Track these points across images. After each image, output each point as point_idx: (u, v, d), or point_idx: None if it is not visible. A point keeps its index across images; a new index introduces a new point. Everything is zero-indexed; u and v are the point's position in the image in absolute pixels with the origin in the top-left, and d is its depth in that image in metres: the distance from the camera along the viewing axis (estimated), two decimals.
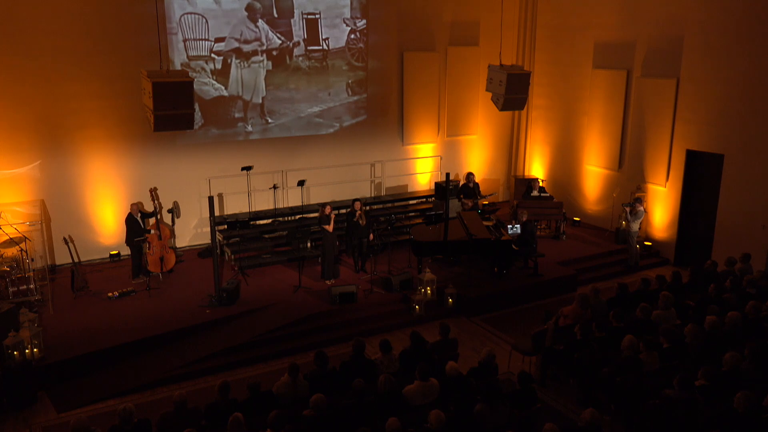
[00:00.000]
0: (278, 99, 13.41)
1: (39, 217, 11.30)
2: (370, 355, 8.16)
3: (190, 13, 12.21)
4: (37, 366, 8.40)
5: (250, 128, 13.29)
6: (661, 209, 13.31)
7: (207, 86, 12.66)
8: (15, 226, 10.65)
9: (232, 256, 12.12)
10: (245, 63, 12.89)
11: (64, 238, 10.96)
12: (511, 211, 14.39)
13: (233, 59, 12.79)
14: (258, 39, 12.87)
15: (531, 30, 15.75)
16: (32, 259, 10.85)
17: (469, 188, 13.75)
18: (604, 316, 8.80)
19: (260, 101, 13.20)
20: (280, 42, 13.03)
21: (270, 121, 13.45)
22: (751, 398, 6.13)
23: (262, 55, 12.99)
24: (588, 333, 8.08)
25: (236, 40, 12.69)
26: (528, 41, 15.81)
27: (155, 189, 11.91)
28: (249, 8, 12.64)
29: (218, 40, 12.54)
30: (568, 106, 15.25)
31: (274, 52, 13.09)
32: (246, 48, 12.82)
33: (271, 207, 13.71)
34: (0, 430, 7.69)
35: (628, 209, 12.57)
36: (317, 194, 14.04)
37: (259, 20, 12.80)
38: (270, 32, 12.96)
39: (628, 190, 13.65)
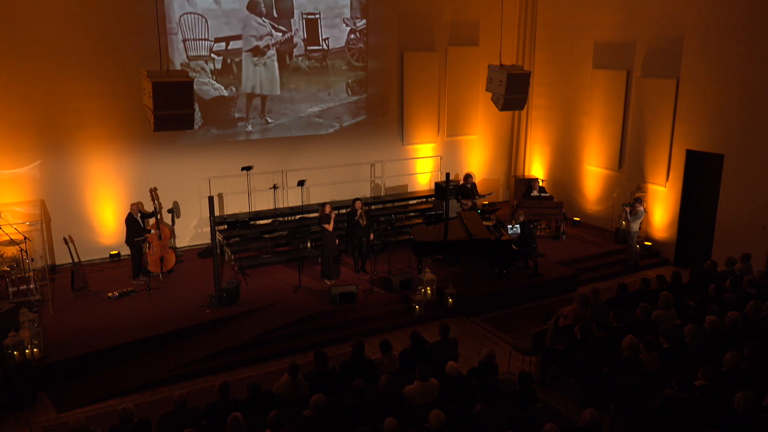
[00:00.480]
0: (278, 99, 13.41)
1: (39, 217, 11.30)
2: (370, 355, 8.16)
3: (190, 13, 12.22)
4: (37, 366, 8.40)
5: (250, 128, 13.30)
6: (661, 209, 13.31)
7: (207, 86, 12.66)
8: (15, 226, 10.65)
9: (232, 256, 12.12)
10: (262, 59, 12.96)
11: (64, 238, 10.96)
12: (511, 211, 14.39)
13: (250, 57, 12.87)
14: (269, 33, 12.94)
15: (531, 30, 15.75)
16: (32, 259, 10.85)
17: (467, 188, 13.73)
18: (604, 316, 8.80)
19: (279, 93, 13.33)
20: (281, 35, 13.05)
21: (270, 121, 13.45)
22: (751, 398, 6.13)
23: (272, 48, 13.07)
24: (588, 333, 8.08)
25: (254, 37, 12.78)
26: (528, 41, 15.81)
27: (155, 189, 11.91)
28: (251, 5, 12.65)
29: (218, 39, 12.55)
30: (568, 106, 15.25)
31: (277, 46, 13.12)
32: (261, 44, 12.90)
33: (271, 207, 13.71)
34: (0, 430, 7.69)
35: (628, 209, 12.57)
36: (317, 194, 14.04)
37: (263, 17, 12.84)
38: (272, 29, 13.00)
39: (628, 190, 13.65)
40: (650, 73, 13.21)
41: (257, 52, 12.95)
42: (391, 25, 14.41)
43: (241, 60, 12.84)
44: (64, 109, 11.55)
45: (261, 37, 12.90)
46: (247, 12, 12.67)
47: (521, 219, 11.80)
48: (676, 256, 13.14)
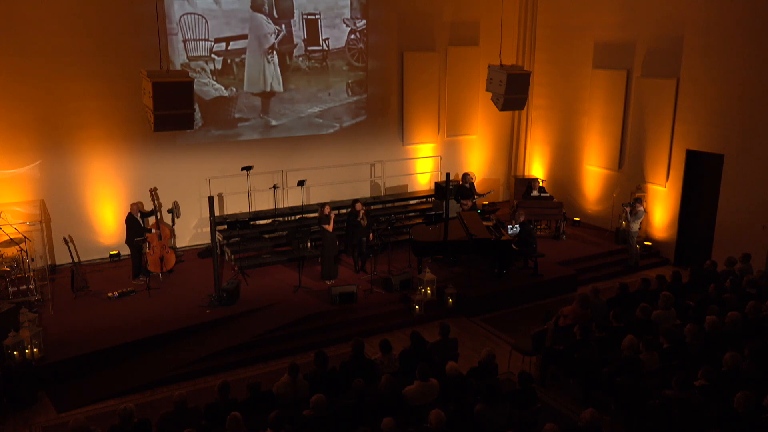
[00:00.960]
0: (279, 99, 13.42)
1: (39, 217, 11.30)
2: (370, 355, 8.16)
3: (190, 14, 12.22)
4: (37, 366, 8.40)
5: (272, 121, 13.40)
6: (661, 209, 13.31)
7: (207, 86, 12.66)
8: (15, 226, 10.65)
9: (232, 256, 12.12)
10: (273, 56, 13.04)
11: (64, 238, 10.96)
12: (511, 211, 14.39)
13: (263, 55, 12.96)
14: (274, 32, 13.00)
15: (531, 30, 15.75)
16: (32, 259, 10.85)
17: (465, 188, 13.68)
18: (604, 316, 8.80)
19: (288, 90, 13.44)
20: (279, 34, 13.10)
21: (270, 121, 13.45)
22: (751, 398, 6.13)
23: (277, 47, 13.18)
24: (588, 333, 8.08)
25: (268, 35, 12.89)
26: (528, 41, 15.81)
27: (155, 189, 11.92)
28: (255, 5, 12.67)
29: (218, 40, 12.55)
30: (568, 106, 15.25)
31: (280, 45, 13.21)
32: (271, 42, 13.00)
33: (271, 207, 13.71)
34: (0, 430, 7.69)
35: (628, 209, 12.57)
36: (317, 194, 14.04)
37: (267, 16, 12.90)
38: (276, 29, 13.07)
39: (628, 190, 13.65)
40: (650, 73, 13.21)
41: (272, 49, 13.01)
42: (391, 25, 14.41)
43: (241, 60, 12.82)
44: (64, 109, 11.54)
45: (270, 35, 12.94)
46: (253, 11, 12.69)
47: (521, 219, 11.79)
48: (676, 256, 13.14)
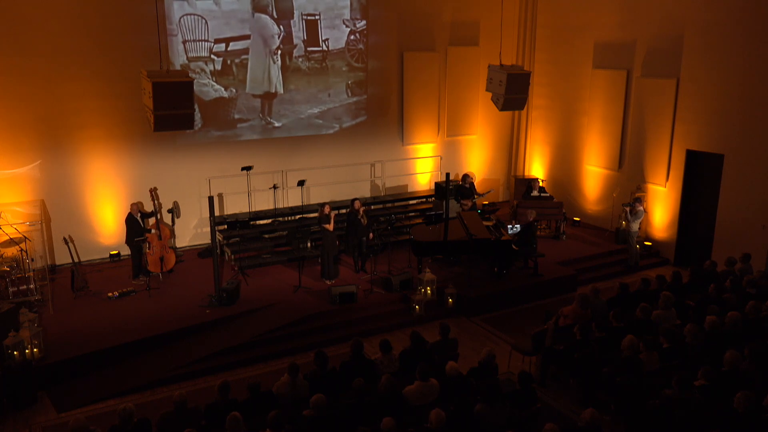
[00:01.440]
0: (278, 100, 13.42)
1: (39, 217, 11.30)
2: (370, 355, 8.16)
3: (190, 14, 12.22)
4: (37, 366, 8.40)
5: (273, 123, 13.45)
6: (661, 209, 13.31)
7: (207, 87, 12.66)
8: (15, 226, 10.65)
9: (232, 256, 12.12)
10: (276, 57, 13.08)
11: (64, 238, 10.96)
12: (511, 211, 14.39)
13: (269, 56, 13.01)
14: (279, 33, 13.06)
15: (531, 30, 15.75)
16: (32, 259, 10.85)
17: (465, 188, 13.67)
18: (604, 316, 8.80)
19: (282, 91, 13.43)
20: (279, 31, 13.13)
21: (271, 121, 13.46)
22: (751, 398, 6.13)
23: (281, 47, 13.24)
24: (588, 333, 8.08)
25: (276, 35, 12.98)
26: (528, 41, 15.81)
27: (155, 189, 11.91)
28: (260, 6, 12.67)
29: (218, 41, 12.54)
30: (568, 106, 15.25)
31: (283, 46, 13.25)
32: (277, 43, 13.07)
33: (271, 207, 13.71)
34: (0, 430, 7.69)
35: (628, 209, 12.58)
36: (317, 194, 14.04)
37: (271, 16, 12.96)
38: (276, 26, 13.09)
39: (628, 190, 13.65)
40: (650, 73, 13.21)
41: (278, 50, 13.07)
42: (391, 25, 14.41)
43: (241, 61, 12.82)
44: (64, 109, 11.55)
45: (275, 36, 12.97)
46: (258, 12, 12.70)
47: (531, 218, 11.75)
48: (676, 256, 13.14)
